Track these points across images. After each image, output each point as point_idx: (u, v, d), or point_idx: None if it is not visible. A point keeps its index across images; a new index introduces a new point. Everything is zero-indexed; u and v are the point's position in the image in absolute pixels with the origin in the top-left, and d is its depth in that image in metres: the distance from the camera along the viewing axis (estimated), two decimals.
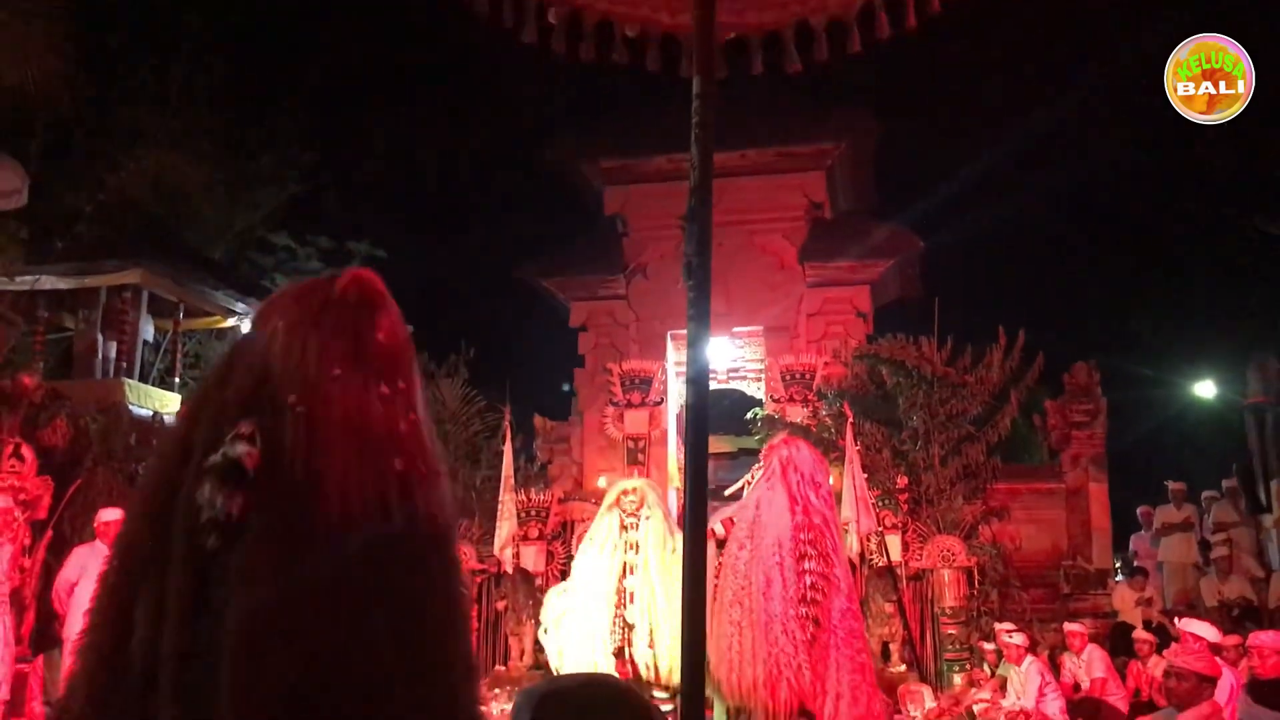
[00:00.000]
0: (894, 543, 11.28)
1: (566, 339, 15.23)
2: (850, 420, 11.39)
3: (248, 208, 20.76)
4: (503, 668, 11.62)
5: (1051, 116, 19.86)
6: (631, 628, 8.07)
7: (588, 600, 8.28)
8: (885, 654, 11.09)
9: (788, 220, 14.52)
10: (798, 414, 12.75)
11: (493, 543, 11.88)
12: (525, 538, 12.03)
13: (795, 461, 6.06)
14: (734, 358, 14.88)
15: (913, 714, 10.02)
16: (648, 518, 8.35)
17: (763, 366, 14.26)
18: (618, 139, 14.89)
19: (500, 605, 12.03)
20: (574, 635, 8.24)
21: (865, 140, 14.94)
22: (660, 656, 7.94)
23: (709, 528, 9.86)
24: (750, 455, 8.18)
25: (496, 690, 10.57)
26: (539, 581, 11.71)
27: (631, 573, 8.19)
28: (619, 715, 1.59)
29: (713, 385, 3.91)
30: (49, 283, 14.91)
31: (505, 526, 11.77)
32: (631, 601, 8.09)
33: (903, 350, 12.33)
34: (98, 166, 16.79)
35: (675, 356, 14.41)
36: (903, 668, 10.93)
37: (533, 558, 11.78)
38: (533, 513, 12.34)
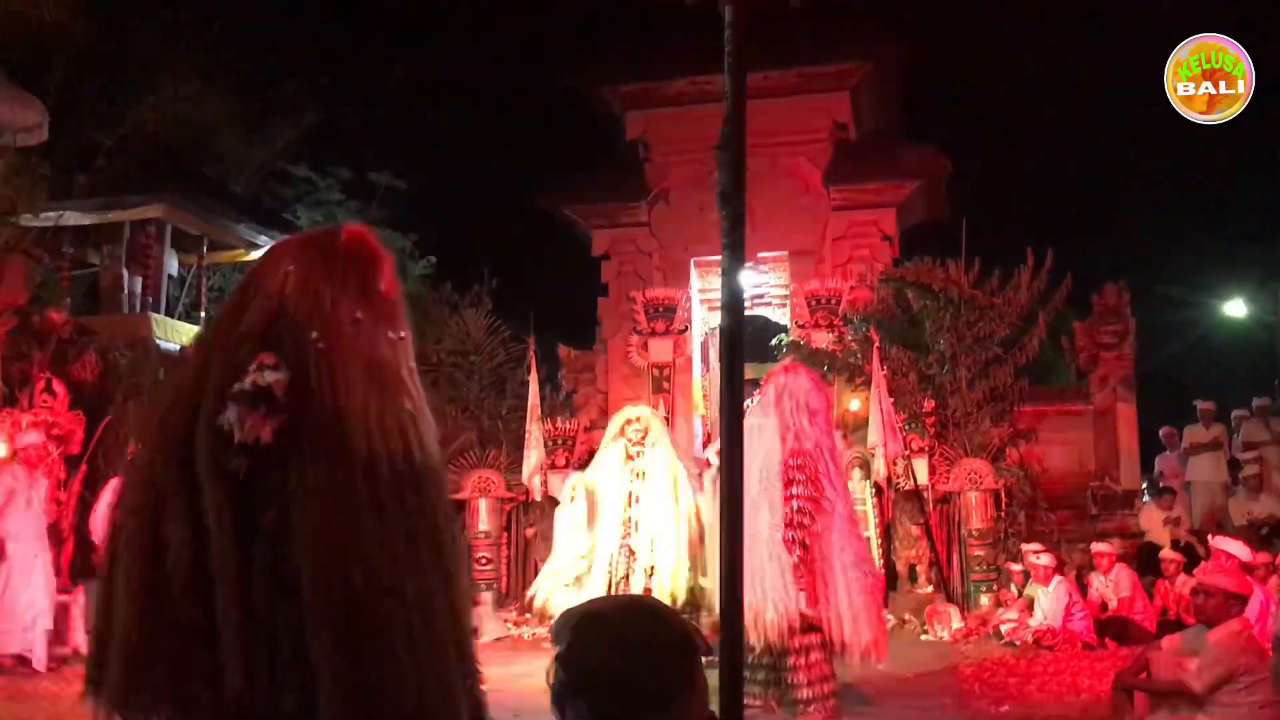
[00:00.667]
0: (921, 466, 11.30)
1: (589, 267, 15.14)
2: (877, 345, 11.36)
3: (267, 139, 20.62)
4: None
5: (1082, 36, 19.41)
6: (634, 555, 8.10)
7: (595, 532, 8.27)
8: (912, 576, 11.17)
9: (813, 143, 14.24)
10: (823, 339, 12.70)
11: (520, 471, 11.99)
12: (553, 466, 12.14)
13: (790, 388, 6.12)
14: (758, 283, 14.72)
15: (940, 634, 10.12)
16: (654, 444, 8.30)
17: (788, 292, 14.16)
18: (638, 62, 14.55)
19: (530, 533, 12.16)
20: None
21: (890, 59, 14.55)
22: (659, 585, 7.95)
23: (704, 457, 9.89)
24: None
25: (528, 615, 10.71)
26: None
27: (637, 501, 8.19)
28: (658, 637, 1.58)
29: None
30: (72, 218, 14.91)
31: (534, 455, 11.87)
32: (637, 530, 8.10)
33: (929, 273, 12.21)
34: (117, 100, 16.68)
35: (699, 283, 14.32)
36: (930, 589, 11.02)
37: (560, 485, 11.88)
38: (559, 441, 12.46)
